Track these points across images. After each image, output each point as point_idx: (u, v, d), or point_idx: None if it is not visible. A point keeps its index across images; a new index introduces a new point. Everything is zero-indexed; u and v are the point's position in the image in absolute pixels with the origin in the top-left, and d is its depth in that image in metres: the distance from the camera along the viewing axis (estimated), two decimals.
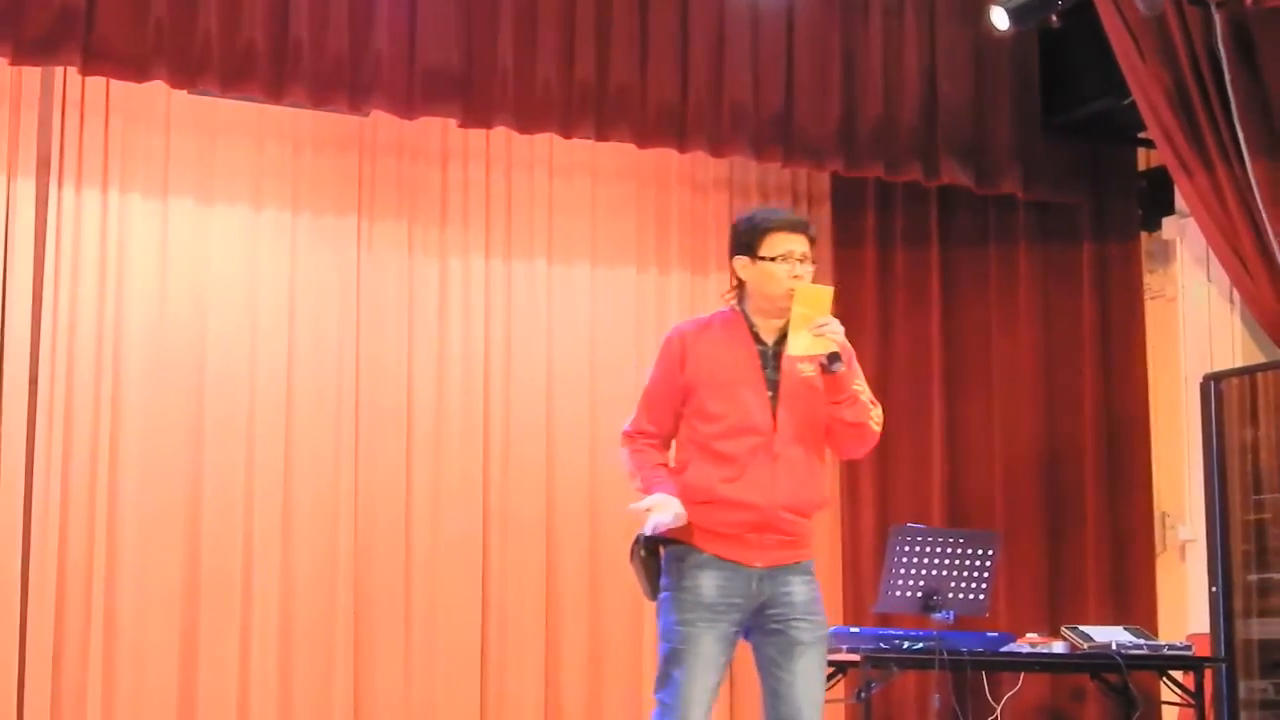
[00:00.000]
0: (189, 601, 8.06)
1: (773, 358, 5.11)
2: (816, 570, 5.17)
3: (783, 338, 5.06)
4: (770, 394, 5.07)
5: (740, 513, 4.99)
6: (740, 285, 5.20)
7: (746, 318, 5.16)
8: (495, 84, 8.02)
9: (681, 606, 4.98)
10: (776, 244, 5.09)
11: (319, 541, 8.31)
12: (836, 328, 4.98)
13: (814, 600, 5.08)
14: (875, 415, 5.15)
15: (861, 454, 5.38)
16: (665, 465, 5.15)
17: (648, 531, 4.97)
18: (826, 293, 5.04)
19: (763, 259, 5.09)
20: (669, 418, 5.16)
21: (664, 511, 4.94)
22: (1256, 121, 8.13)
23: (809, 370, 5.06)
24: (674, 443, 5.22)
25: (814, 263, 5.15)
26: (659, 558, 5.08)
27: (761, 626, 5.03)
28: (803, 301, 4.98)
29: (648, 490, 5.03)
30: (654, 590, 5.08)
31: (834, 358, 4.99)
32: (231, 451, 8.22)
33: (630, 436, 5.21)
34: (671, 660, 4.97)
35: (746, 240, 5.15)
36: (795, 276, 5.07)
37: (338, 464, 8.41)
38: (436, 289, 8.71)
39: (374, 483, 8.46)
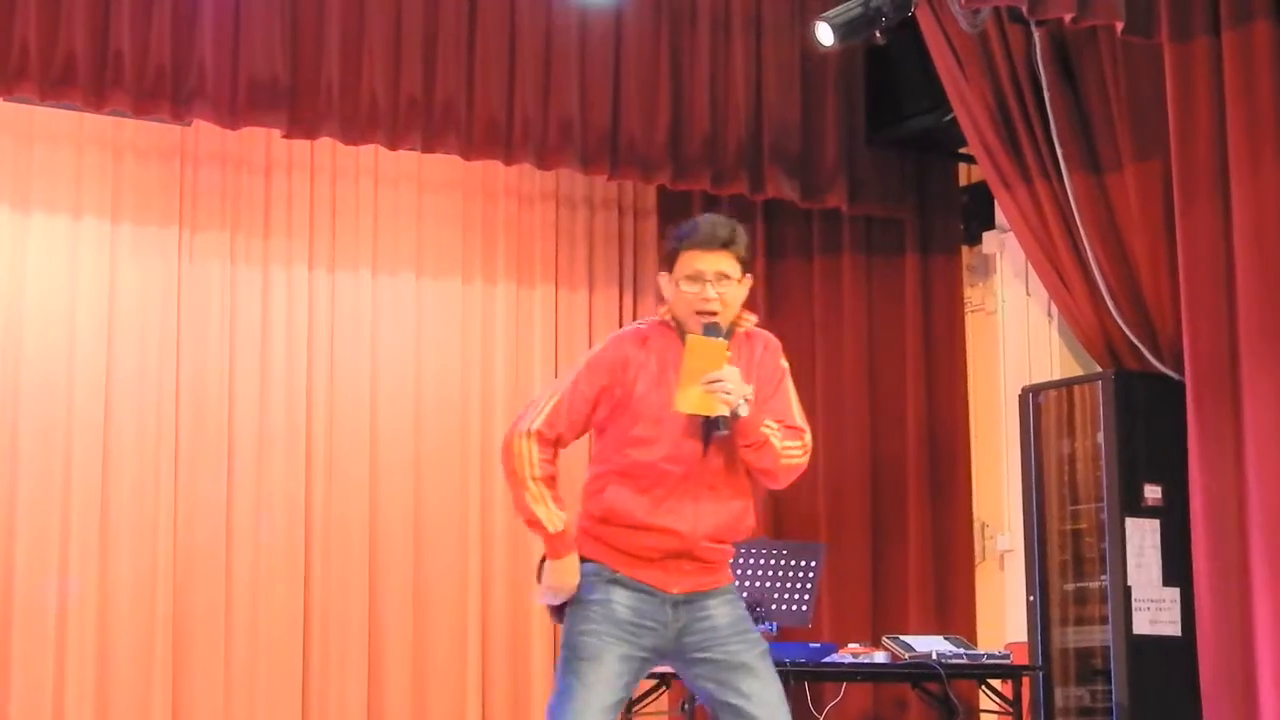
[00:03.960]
0: (2, 619, 7.92)
1: None
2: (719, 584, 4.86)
3: None
4: (703, 420, 4.65)
5: (661, 539, 4.64)
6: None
7: (679, 333, 4.75)
8: (320, 95, 7.95)
9: (588, 617, 4.63)
10: (686, 264, 4.69)
11: (138, 555, 8.21)
12: (730, 386, 4.55)
13: (740, 619, 4.74)
14: (793, 453, 4.74)
15: (782, 486, 4.91)
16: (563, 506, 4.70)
17: (539, 601, 4.69)
18: (718, 347, 4.60)
19: (676, 280, 4.72)
20: (582, 428, 4.74)
21: (560, 594, 4.67)
22: (1075, 138, 8.27)
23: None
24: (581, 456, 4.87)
25: (743, 278, 4.72)
26: None
27: (686, 658, 4.70)
28: (692, 354, 4.59)
29: (557, 553, 4.66)
30: (560, 610, 4.72)
31: (719, 422, 4.59)
32: (48, 464, 8.10)
33: (543, 443, 4.68)
34: (568, 669, 4.62)
35: (667, 256, 4.77)
36: (704, 299, 4.64)
37: (157, 476, 8.31)
38: (259, 300, 8.63)
39: (194, 495, 8.37)
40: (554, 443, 4.70)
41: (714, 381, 4.56)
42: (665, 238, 4.88)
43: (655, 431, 4.67)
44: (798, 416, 4.84)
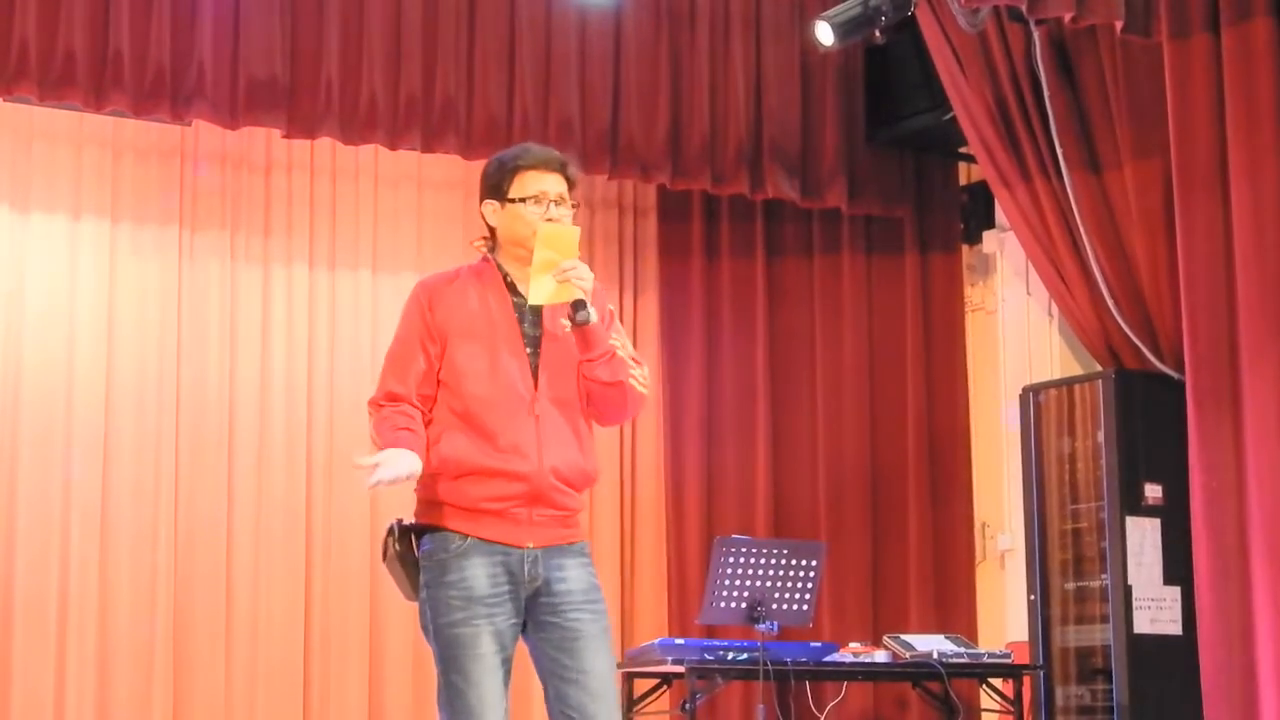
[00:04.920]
0: (2, 623, 7.90)
1: (531, 311, 4.61)
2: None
3: None
4: (530, 351, 4.59)
5: (505, 484, 4.48)
6: (492, 235, 4.71)
7: (500, 268, 4.67)
8: (320, 95, 7.95)
9: (450, 606, 4.46)
10: (527, 184, 4.62)
11: (138, 555, 8.18)
12: (584, 273, 4.51)
13: (593, 587, 4.58)
14: (639, 375, 4.68)
15: (625, 418, 4.88)
16: (411, 430, 4.52)
17: (370, 481, 4.40)
18: (572, 234, 4.55)
19: (512, 200, 4.62)
20: (421, 380, 4.59)
21: (390, 466, 4.40)
22: (1074, 137, 8.28)
23: (568, 326, 4.59)
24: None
25: (575, 207, 4.68)
26: (414, 551, 4.55)
27: (536, 619, 4.52)
28: (546, 243, 4.50)
29: (380, 447, 4.48)
30: (414, 589, 4.56)
31: (579, 305, 4.51)
32: (48, 464, 8.08)
33: (377, 404, 4.61)
34: (451, 668, 4.46)
35: (495, 182, 4.67)
36: (549, 219, 4.59)
37: (157, 476, 8.28)
38: (259, 299, 8.62)
39: (194, 495, 8.35)
40: (391, 400, 4.61)
41: (568, 270, 4.50)
42: (489, 166, 4.74)
43: (484, 364, 4.56)
44: (633, 351, 4.78)
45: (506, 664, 4.51)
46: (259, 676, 8.33)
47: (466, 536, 4.50)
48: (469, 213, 9.09)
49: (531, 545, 4.52)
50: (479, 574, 4.47)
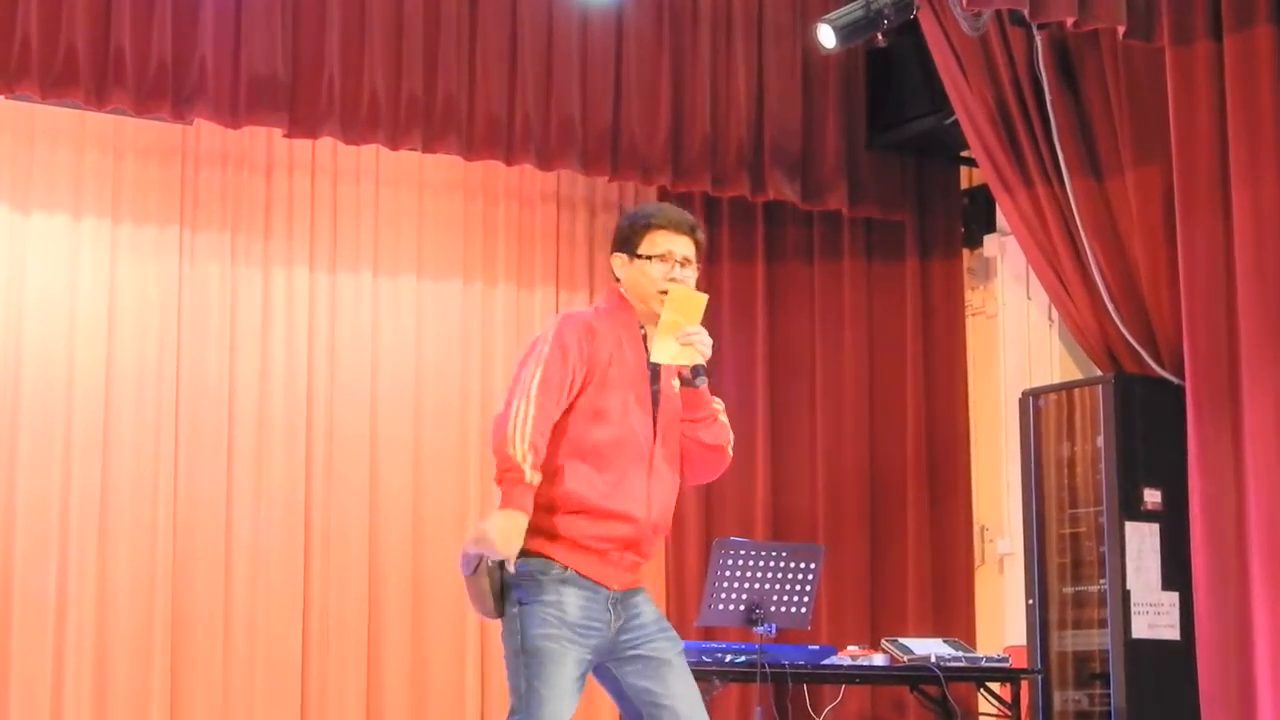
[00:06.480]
0: (0, 617, 7.91)
1: (652, 367, 4.74)
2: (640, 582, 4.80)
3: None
4: (653, 404, 4.72)
5: (618, 526, 4.60)
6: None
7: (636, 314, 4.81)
8: (321, 94, 7.95)
9: (545, 620, 4.54)
10: (657, 242, 4.76)
11: (137, 554, 8.20)
12: (706, 339, 4.65)
13: (660, 616, 4.74)
14: (730, 439, 4.87)
15: (711, 479, 5.00)
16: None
17: (504, 561, 4.50)
18: (700, 300, 4.68)
19: (640, 257, 4.77)
20: (562, 401, 4.63)
21: (494, 548, 4.48)
22: (1076, 142, 8.27)
23: (676, 385, 4.75)
24: None
25: (699, 267, 4.81)
26: (507, 570, 4.59)
27: (618, 656, 4.66)
28: (674, 306, 4.65)
29: (524, 506, 4.49)
30: (498, 607, 4.60)
31: (698, 370, 4.66)
32: (47, 464, 8.10)
33: (535, 451, 4.56)
34: (536, 676, 4.52)
35: (626, 236, 4.82)
36: (672, 279, 4.73)
37: (157, 476, 8.30)
38: (260, 301, 8.62)
39: (194, 495, 8.36)
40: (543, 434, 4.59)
41: (692, 334, 4.62)
42: (622, 220, 4.90)
43: (621, 409, 4.66)
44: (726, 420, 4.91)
45: (580, 694, 4.62)
46: (257, 671, 8.35)
47: (566, 567, 4.60)
48: (469, 215, 9.12)
49: (615, 587, 4.66)
50: (573, 603, 4.59)
